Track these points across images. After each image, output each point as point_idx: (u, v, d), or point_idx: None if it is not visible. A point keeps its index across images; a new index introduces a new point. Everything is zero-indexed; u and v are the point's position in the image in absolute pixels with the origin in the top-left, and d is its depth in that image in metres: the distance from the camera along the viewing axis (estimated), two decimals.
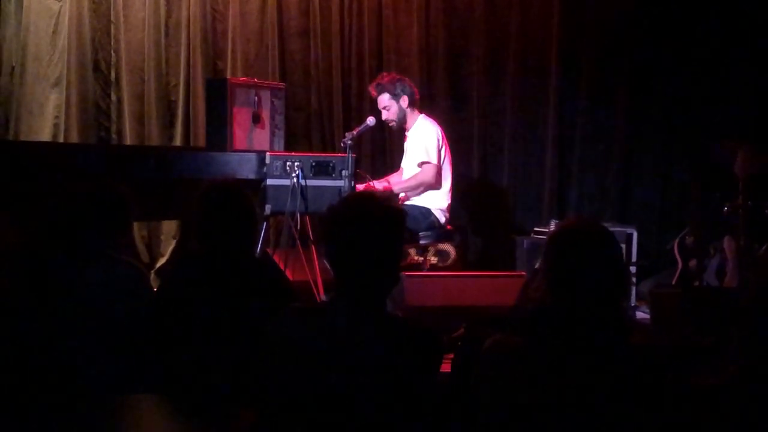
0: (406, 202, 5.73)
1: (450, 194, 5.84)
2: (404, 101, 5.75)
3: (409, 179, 5.81)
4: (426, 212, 5.71)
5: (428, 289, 4.84)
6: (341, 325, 2.40)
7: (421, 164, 5.72)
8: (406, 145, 5.93)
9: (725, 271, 6.21)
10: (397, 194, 5.71)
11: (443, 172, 5.78)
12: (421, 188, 5.75)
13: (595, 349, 2.31)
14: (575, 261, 2.36)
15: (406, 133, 5.89)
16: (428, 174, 5.71)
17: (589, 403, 2.27)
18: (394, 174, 6.14)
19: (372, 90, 5.90)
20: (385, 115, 5.83)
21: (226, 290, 3.12)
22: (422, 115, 5.85)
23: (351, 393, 2.33)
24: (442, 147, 5.75)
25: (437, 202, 5.76)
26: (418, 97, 5.89)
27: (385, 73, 6.04)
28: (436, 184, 5.75)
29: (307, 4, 7.19)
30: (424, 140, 5.70)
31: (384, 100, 5.79)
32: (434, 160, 5.68)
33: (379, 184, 5.69)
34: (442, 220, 5.78)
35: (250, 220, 3.31)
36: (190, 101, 6.98)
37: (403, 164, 6.01)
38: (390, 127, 6.01)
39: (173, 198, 5.30)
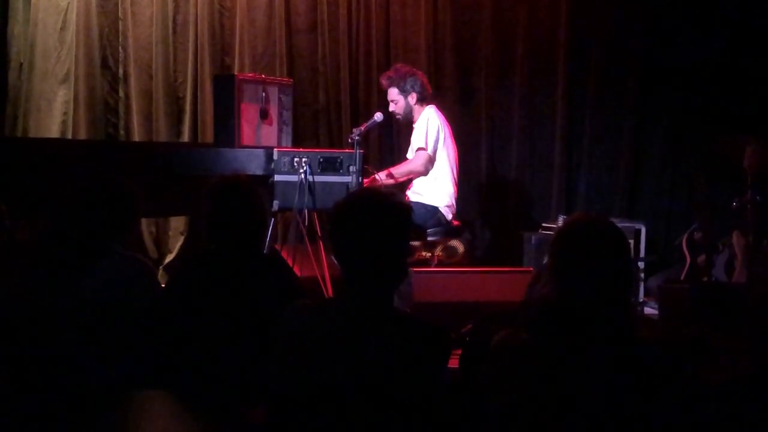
0: (413, 200, 5.73)
1: (455, 190, 5.84)
2: (412, 98, 5.77)
3: (400, 165, 5.85)
4: (433, 210, 5.72)
5: (436, 285, 4.84)
6: (349, 321, 2.40)
7: (417, 150, 5.74)
8: (412, 136, 5.95)
9: (734, 266, 6.19)
10: (397, 182, 5.70)
11: (445, 168, 5.76)
12: (411, 175, 5.79)
13: (602, 345, 2.30)
14: (582, 257, 2.35)
15: (413, 125, 5.90)
16: (418, 161, 5.73)
17: (597, 399, 2.26)
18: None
19: (382, 81, 5.92)
20: (392, 108, 5.87)
21: (234, 286, 3.12)
22: (431, 107, 5.85)
23: (359, 389, 2.33)
24: (443, 139, 5.75)
25: (443, 199, 5.76)
26: (430, 92, 5.90)
27: (399, 65, 6.04)
28: (424, 172, 5.76)
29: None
30: (425, 128, 5.72)
31: (392, 93, 5.81)
32: (429, 149, 5.69)
33: (382, 174, 5.70)
34: (449, 216, 5.79)
35: (259, 217, 3.32)
36: (197, 97, 6.99)
37: (408, 155, 6.02)
38: (396, 119, 6.01)
39: (181, 194, 5.30)
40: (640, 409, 2.27)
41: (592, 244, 2.36)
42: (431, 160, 5.73)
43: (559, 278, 2.39)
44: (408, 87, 5.76)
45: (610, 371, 2.28)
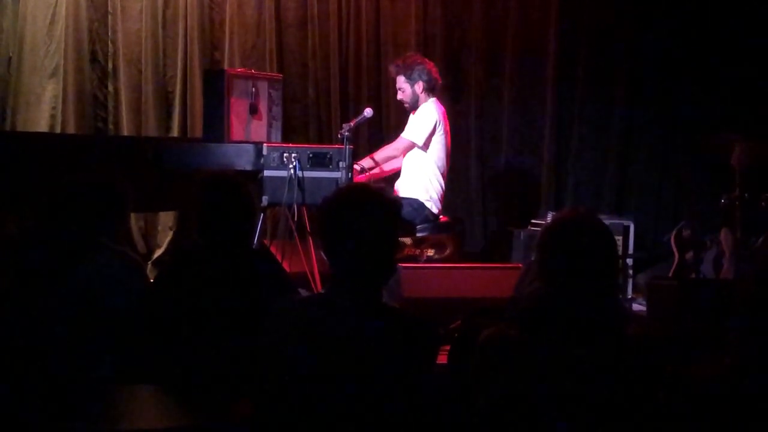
0: (402, 195, 5.74)
1: (444, 184, 5.85)
2: (419, 86, 5.78)
3: (381, 150, 5.88)
4: (420, 206, 5.70)
5: (425, 281, 4.84)
6: (338, 317, 2.41)
7: (401, 137, 5.79)
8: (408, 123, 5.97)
9: (722, 263, 6.21)
10: (382, 171, 5.74)
11: (435, 162, 5.77)
12: (389, 159, 5.83)
13: (590, 340, 2.31)
14: (568, 253, 2.36)
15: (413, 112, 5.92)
16: (398, 146, 5.77)
17: (585, 395, 2.27)
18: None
19: (391, 69, 5.96)
20: (399, 96, 5.89)
21: (223, 281, 3.13)
22: (434, 99, 5.85)
23: (347, 384, 2.33)
24: (439, 134, 5.75)
25: (430, 193, 5.75)
26: (439, 83, 5.90)
27: (410, 54, 6.07)
28: (400, 157, 5.81)
29: None
30: (419, 120, 5.74)
31: (400, 81, 5.83)
32: (414, 139, 5.70)
33: (364, 162, 5.72)
34: (435, 210, 5.78)
35: (248, 212, 3.32)
36: (187, 92, 6.97)
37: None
38: (404, 108, 6.01)
39: (170, 189, 5.29)
40: (628, 404, 2.28)
41: (578, 240, 2.37)
42: (411, 148, 5.74)
43: (546, 274, 2.40)
44: (415, 75, 5.77)
45: (597, 367, 2.29)
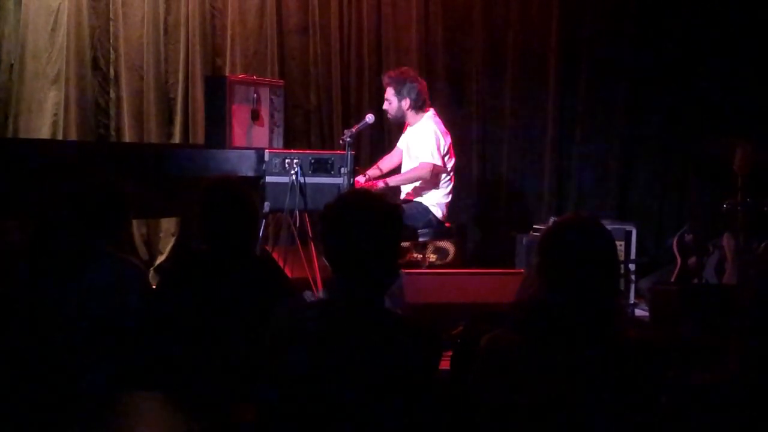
0: (406, 199, 5.74)
1: (451, 192, 5.84)
2: (405, 103, 5.75)
3: (405, 173, 5.81)
4: (424, 210, 5.70)
5: (427, 287, 4.84)
6: (340, 322, 2.40)
7: (421, 163, 5.71)
8: (406, 136, 5.92)
9: (724, 268, 6.21)
10: (395, 189, 5.72)
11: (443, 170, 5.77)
12: (416, 182, 5.76)
13: (591, 345, 2.31)
14: (567, 257, 2.36)
15: (405, 129, 5.91)
16: (424, 171, 5.68)
17: (587, 400, 2.27)
18: (387, 156, 6.14)
19: (384, 78, 5.94)
20: (385, 105, 5.88)
21: (225, 288, 3.12)
22: (430, 113, 5.82)
23: (349, 390, 2.33)
24: (444, 146, 5.74)
25: (436, 199, 5.75)
26: (425, 102, 5.83)
27: (406, 69, 6.04)
28: (430, 180, 5.72)
29: (306, 0, 7.18)
30: (425, 140, 5.69)
31: (389, 93, 5.82)
32: (434, 160, 5.65)
33: (373, 173, 5.71)
34: (440, 215, 5.77)
35: (251, 218, 3.32)
36: (189, 99, 6.97)
37: (399, 144, 6.02)
38: (387, 118, 6.01)
39: (172, 195, 5.29)
40: (629, 409, 2.28)
41: (577, 243, 2.37)
42: (437, 171, 5.70)
43: (546, 278, 2.40)
44: (404, 92, 5.75)
45: (598, 371, 2.29)
